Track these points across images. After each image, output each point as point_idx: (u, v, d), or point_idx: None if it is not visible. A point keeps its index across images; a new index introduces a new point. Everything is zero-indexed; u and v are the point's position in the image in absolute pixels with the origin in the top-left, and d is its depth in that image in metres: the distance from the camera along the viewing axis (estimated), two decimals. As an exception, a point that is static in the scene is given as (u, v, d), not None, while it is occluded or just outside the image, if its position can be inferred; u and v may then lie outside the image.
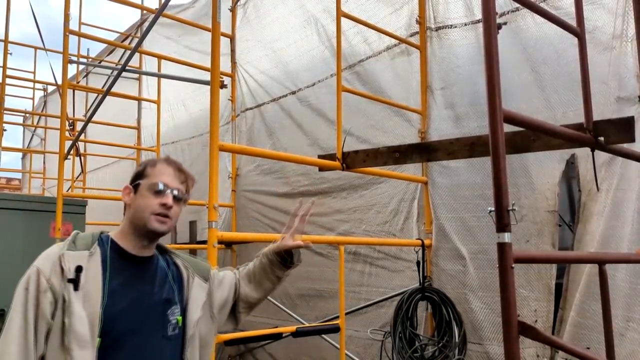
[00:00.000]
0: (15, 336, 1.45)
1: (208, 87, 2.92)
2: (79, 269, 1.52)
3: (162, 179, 1.67)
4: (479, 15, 3.96)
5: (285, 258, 1.97)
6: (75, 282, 1.50)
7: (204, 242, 5.16)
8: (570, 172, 3.52)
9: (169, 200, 1.65)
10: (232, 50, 6.29)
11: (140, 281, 1.66)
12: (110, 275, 1.58)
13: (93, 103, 6.52)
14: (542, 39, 3.57)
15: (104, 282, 1.55)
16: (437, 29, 4.22)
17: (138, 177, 1.70)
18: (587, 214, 3.30)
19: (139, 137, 8.03)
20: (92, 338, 1.48)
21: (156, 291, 1.68)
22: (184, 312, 1.72)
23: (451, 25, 4.14)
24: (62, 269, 1.51)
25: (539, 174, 3.54)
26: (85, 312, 1.48)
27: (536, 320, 3.40)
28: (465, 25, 4.05)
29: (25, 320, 1.47)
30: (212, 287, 1.85)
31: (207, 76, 3.46)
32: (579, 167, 3.36)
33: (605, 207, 3.15)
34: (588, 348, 3.08)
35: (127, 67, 4.60)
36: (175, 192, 1.68)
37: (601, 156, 3.02)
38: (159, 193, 1.65)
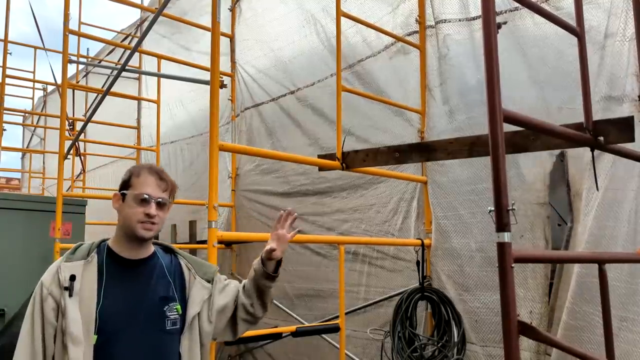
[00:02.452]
0: (25, 340, 1.70)
1: (207, 87, 2.92)
2: (72, 278, 1.73)
3: (146, 190, 1.83)
4: (475, 12, 3.97)
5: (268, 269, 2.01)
6: (69, 289, 1.71)
7: (204, 241, 5.17)
8: (558, 168, 3.51)
9: (152, 210, 1.82)
10: (232, 50, 6.29)
11: (135, 282, 1.83)
12: (105, 279, 1.77)
13: (93, 103, 6.52)
14: (540, 38, 3.57)
15: (100, 285, 1.75)
16: (435, 23, 4.22)
17: (125, 186, 1.88)
18: (577, 214, 3.31)
19: (138, 137, 8.03)
20: (87, 337, 1.68)
21: (152, 289, 1.84)
22: (184, 308, 1.86)
23: (445, 20, 4.15)
24: (59, 279, 1.73)
25: (527, 164, 3.53)
26: (80, 314, 1.69)
27: (531, 322, 3.40)
28: (460, 21, 4.06)
29: (32, 326, 1.70)
30: (214, 290, 1.97)
31: (206, 75, 3.46)
32: (569, 166, 3.36)
33: (594, 207, 3.16)
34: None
35: (126, 67, 4.60)
36: (159, 200, 1.84)
37: (588, 156, 3.02)
38: (143, 202, 1.82)
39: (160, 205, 1.85)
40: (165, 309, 1.82)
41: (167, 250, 1.98)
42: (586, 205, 3.22)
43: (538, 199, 3.50)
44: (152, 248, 1.91)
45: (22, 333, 1.70)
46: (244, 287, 2.04)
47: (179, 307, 1.84)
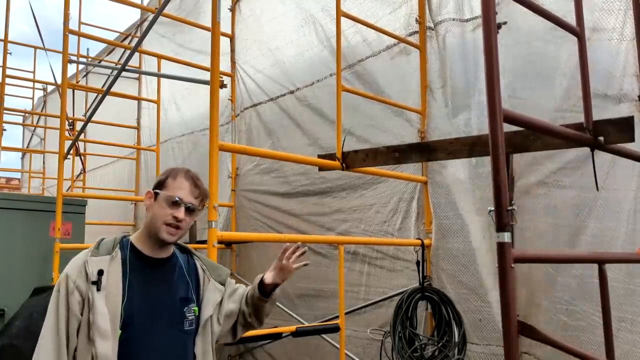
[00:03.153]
0: (50, 332, 1.70)
1: (201, 86, 2.92)
2: (100, 272, 1.74)
3: (179, 193, 1.86)
4: (475, 13, 3.97)
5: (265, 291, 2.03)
6: (97, 284, 1.72)
7: (204, 241, 5.16)
8: None
9: (180, 214, 1.85)
10: (232, 50, 6.28)
11: (157, 280, 1.86)
12: (129, 275, 1.79)
13: (93, 103, 6.52)
14: (541, 38, 3.57)
15: (124, 282, 1.77)
16: (435, 25, 4.22)
17: (160, 185, 1.90)
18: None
19: (138, 137, 8.04)
20: (114, 331, 1.70)
21: (173, 289, 1.88)
22: (198, 309, 1.91)
23: (445, 20, 4.15)
24: (86, 273, 1.74)
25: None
26: (107, 309, 1.71)
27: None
28: (460, 21, 4.07)
29: (57, 318, 1.71)
30: (225, 294, 2.01)
31: (206, 75, 3.46)
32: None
33: (599, 207, 3.16)
34: (580, 350, 3.07)
35: (126, 67, 4.60)
36: (189, 206, 1.87)
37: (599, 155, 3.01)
38: (174, 205, 1.85)
39: (190, 210, 1.88)
40: (184, 309, 1.86)
41: (184, 250, 2.02)
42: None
43: None
44: (172, 248, 1.94)
45: (46, 325, 1.71)
46: (246, 296, 2.06)
47: (196, 308, 1.89)
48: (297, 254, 2.05)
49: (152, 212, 1.87)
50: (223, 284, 2.01)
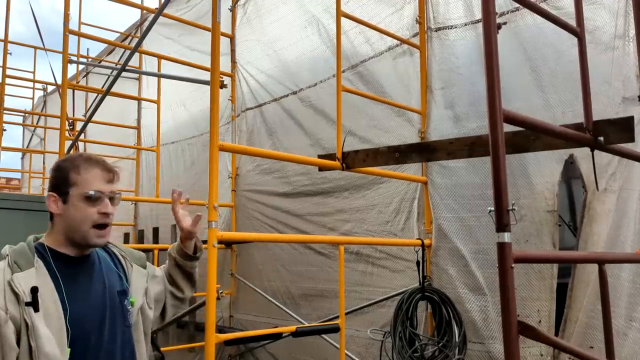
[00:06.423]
0: None
1: (208, 87, 2.92)
2: (34, 290, 1.50)
3: (94, 186, 1.62)
4: (479, 15, 3.96)
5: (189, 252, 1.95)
6: (34, 304, 1.48)
7: (204, 242, 5.15)
8: (569, 172, 3.52)
9: (108, 208, 1.63)
10: (232, 50, 6.29)
11: (90, 280, 1.68)
12: (62, 284, 1.57)
13: (93, 103, 6.52)
14: (542, 39, 3.57)
15: (60, 293, 1.55)
16: (437, 29, 4.23)
17: (64, 184, 1.64)
18: (592, 214, 3.29)
19: (138, 137, 8.03)
20: (62, 352, 1.50)
21: (108, 285, 1.70)
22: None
23: (451, 26, 4.14)
24: (16, 295, 1.49)
25: (537, 174, 3.54)
26: (49, 330, 1.49)
27: (540, 321, 3.40)
28: (465, 25, 4.06)
29: None
30: (148, 277, 1.88)
31: (207, 76, 3.46)
32: (581, 167, 3.35)
33: (612, 208, 3.15)
34: (592, 347, 3.08)
35: (127, 67, 4.60)
36: (111, 195, 1.66)
37: (606, 155, 3.01)
38: (94, 202, 1.61)
39: (112, 200, 1.66)
40: (125, 302, 1.71)
41: None
42: (605, 206, 3.21)
43: (547, 207, 3.49)
44: None
45: None
46: (168, 275, 1.95)
47: (133, 299, 1.73)
48: (182, 199, 1.98)
49: (67, 217, 1.63)
50: (144, 267, 1.86)
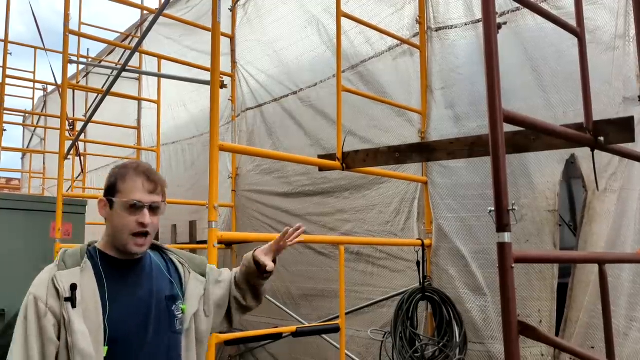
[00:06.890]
0: None
1: (208, 87, 2.92)
2: (73, 287, 1.56)
3: (135, 196, 1.66)
4: (479, 15, 3.96)
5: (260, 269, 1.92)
6: (72, 300, 1.55)
7: (204, 242, 5.16)
8: (570, 172, 3.51)
9: (145, 218, 1.66)
10: (233, 50, 6.29)
11: (138, 283, 1.71)
12: (106, 285, 1.62)
13: (93, 103, 6.52)
14: (542, 39, 3.57)
15: (102, 292, 1.61)
16: (438, 29, 4.22)
17: (111, 191, 1.70)
18: (592, 214, 3.29)
19: (139, 137, 8.03)
20: (97, 350, 1.53)
21: (156, 289, 1.72)
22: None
23: (452, 26, 4.14)
24: (57, 290, 1.56)
25: (538, 173, 3.54)
26: (86, 327, 1.54)
27: (541, 321, 3.40)
28: (466, 25, 4.06)
29: (26, 349, 1.51)
30: (209, 283, 1.87)
31: (207, 76, 3.46)
32: (582, 167, 3.35)
33: (612, 208, 3.15)
34: (592, 347, 3.08)
35: (127, 67, 4.60)
36: (151, 205, 1.68)
37: (607, 155, 3.01)
38: (134, 211, 1.65)
39: (154, 209, 1.69)
40: (173, 308, 1.73)
41: (153, 247, 1.84)
42: (605, 206, 3.21)
43: (548, 207, 3.49)
44: None
45: (14, 356, 1.51)
46: (235, 279, 1.94)
47: (184, 306, 1.75)
48: (297, 233, 1.97)
49: (112, 223, 1.68)
50: (203, 275, 1.86)
